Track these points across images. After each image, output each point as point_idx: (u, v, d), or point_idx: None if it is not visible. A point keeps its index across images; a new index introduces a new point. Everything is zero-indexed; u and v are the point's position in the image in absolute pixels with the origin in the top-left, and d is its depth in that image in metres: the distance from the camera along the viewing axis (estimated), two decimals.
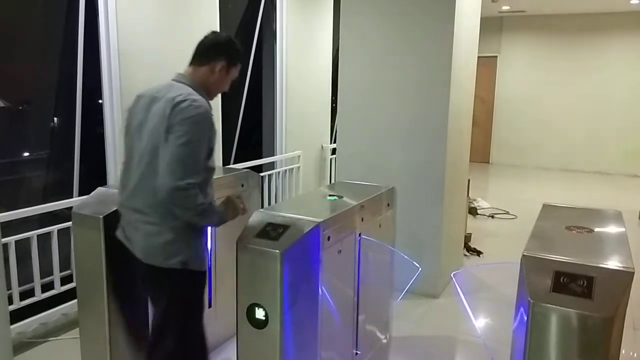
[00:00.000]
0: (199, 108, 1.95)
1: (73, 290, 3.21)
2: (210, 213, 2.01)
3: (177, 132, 1.90)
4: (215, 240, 3.01)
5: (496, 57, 10.43)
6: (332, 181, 6.36)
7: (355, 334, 2.49)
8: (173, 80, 2.11)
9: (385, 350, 2.93)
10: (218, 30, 4.55)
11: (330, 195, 2.53)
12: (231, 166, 4.97)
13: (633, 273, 1.63)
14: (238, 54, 2.19)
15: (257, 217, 2.12)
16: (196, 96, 2.00)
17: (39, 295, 3.30)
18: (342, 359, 2.41)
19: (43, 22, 3.77)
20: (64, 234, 3.38)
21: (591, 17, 9.54)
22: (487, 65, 10.02)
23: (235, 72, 2.20)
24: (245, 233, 2.05)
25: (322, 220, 2.04)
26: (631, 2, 8.35)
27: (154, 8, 3.97)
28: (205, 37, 2.17)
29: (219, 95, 4.50)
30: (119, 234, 2.16)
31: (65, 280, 3.45)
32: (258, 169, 5.11)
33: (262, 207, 3.58)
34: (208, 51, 2.12)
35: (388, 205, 2.72)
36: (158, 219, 1.97)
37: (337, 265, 2.23)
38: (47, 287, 3.37)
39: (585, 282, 1.63)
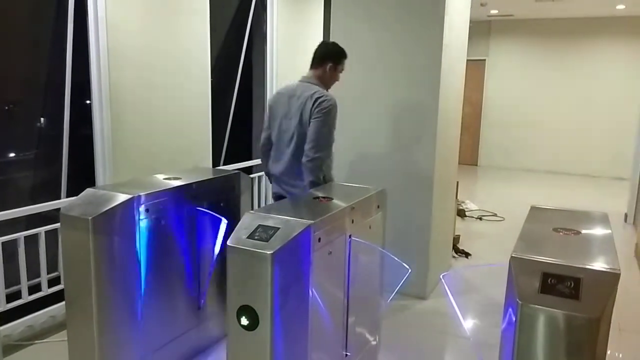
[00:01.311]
0: (329, 101, 2.86)
1: (61, 292, 3.18)
2: (327, 179, 2.94)
3: (316, 118, 2.82)
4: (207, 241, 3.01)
5: (484, 60, 10.52)
6: None
7: (345, 335, 2.50)
8: (301, 81, 3.01)
9: (374, 351, 2.94)
10: (209, 29, 4.56)
11: (320, 197, 2.54)
12: (221, 167, 4.95)
13: (619, 274, 1.65)
14: (340, 56, 3.05)
15: (247, 219, 2.12)
16: (325, 92, 2.92)
17: (26, 298, 3.27)
18: None
19: (31, 21, 3.73)
20: (51, 235, 3.35)
21: (578, 21, 9.67)
22: (475, 69, 10.10)
23: (341, 68, 3.07)
24: (236, 234, 2.05)
25: (313, 221, 2.05)
26: (617, 7, 8.47)
27: (143, 7, 3.95)
28: (318, 47, 3.09)
29: (209, 97, 4.65)
30: (275, 190, 3.12)
31: (52, 282, 3.42)
32: (248, 170, 5.10)
33: (253, 208, 3.58)
34: (320, 58, 3.02)
35: (378, 207, 2.73)
36: (294, 179, 2.97)
37: (327, 266, 2.23)
38: (34, 289, 3.34)
39: (573, 284, 1.65)
